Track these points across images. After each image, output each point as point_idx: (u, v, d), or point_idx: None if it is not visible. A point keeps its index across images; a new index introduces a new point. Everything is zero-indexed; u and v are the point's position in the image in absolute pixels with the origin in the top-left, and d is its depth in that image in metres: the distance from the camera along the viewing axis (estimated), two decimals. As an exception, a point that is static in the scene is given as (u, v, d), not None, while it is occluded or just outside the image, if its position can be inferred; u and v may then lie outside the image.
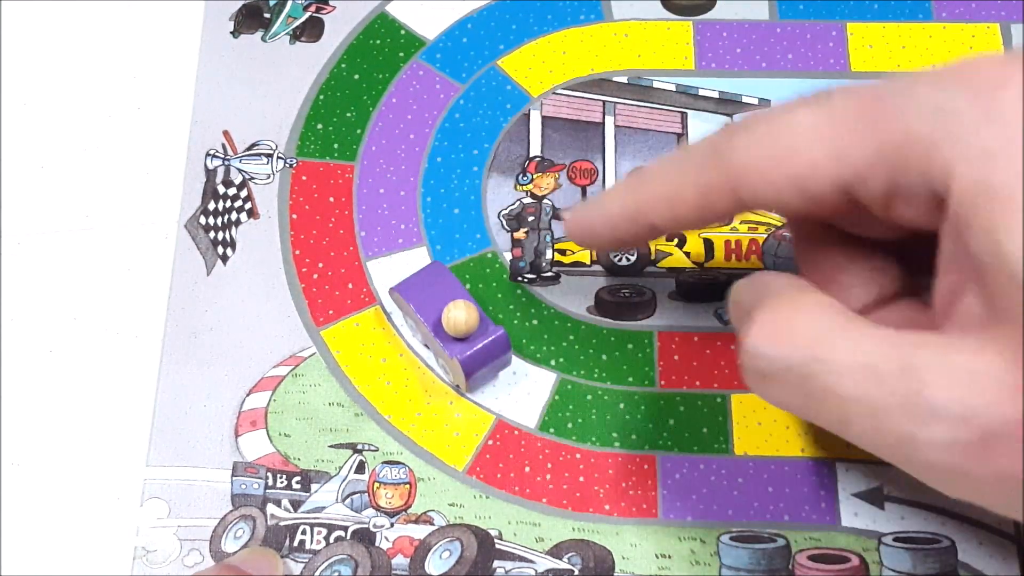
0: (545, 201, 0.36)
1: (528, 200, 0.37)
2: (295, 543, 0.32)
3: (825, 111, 0.24)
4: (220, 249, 0.36)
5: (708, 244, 0.36)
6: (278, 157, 0.37)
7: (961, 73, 0.22)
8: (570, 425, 0.33)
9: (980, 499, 0.22)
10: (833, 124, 0.24)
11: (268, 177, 0.37)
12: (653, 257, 0.36)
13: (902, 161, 0.23)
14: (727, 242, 0.36)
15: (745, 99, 0.37)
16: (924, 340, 0.22)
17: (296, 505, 0.32)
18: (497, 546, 0.32)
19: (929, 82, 0.23)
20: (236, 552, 0.32)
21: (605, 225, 0.28)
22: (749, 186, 0.25)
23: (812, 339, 0.23)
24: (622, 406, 0.33)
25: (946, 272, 0.24)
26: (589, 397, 0.34)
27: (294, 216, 0.36)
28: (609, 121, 0.38)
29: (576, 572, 0.31)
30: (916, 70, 0.24)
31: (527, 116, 0.38)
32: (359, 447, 0.33)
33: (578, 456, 0.33)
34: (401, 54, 0.39)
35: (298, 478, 0.33)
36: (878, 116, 0.23)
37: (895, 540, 0.31)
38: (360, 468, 0.33)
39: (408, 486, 0.33)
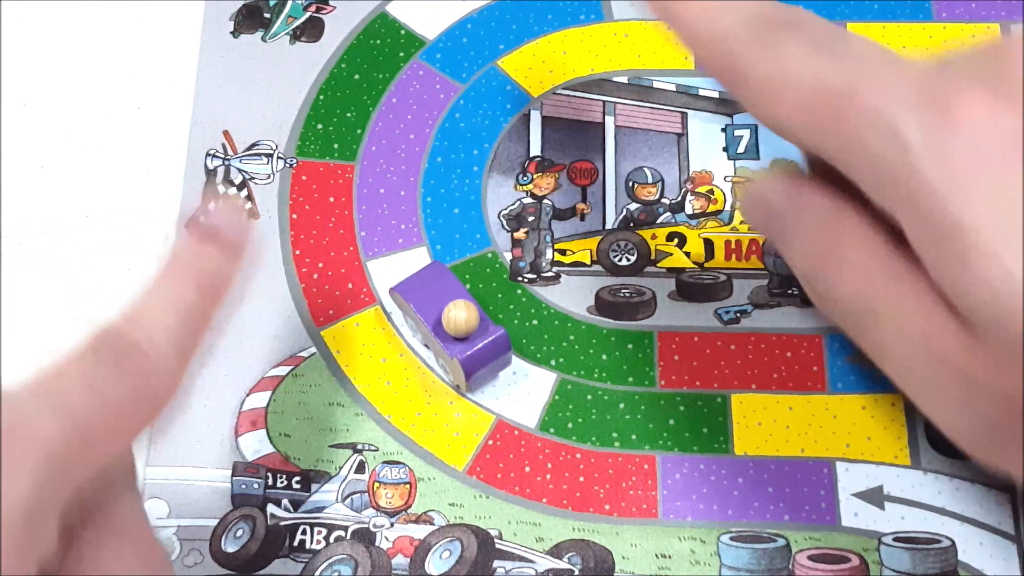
0: (545, 201, 0.36)
1: (528, 200, 0.37)
2: (295, 543, 0.32)
3: (814, 78, 0.24)
4: (220, 249, 0.36)
5: (708, 244, 0.36)
6: (278, 157, 0.37)
7: (921, 95, 0.23)
8: (570, 425, 0.33)
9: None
10: (810, 103, 0.25)
11: (268, 177, 0.37)
12: (653, 257, 0.36)
13: (858, 163, 0.24)
14: (727, 242, 0.36)
15: (745, 99, 0.37)
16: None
17: (296, 505, 0.32)
18: (497, 546, 0.32)
19: (894, 95, 0.23)
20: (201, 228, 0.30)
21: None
22: (746, 93, 0.26)
23: None
24: (622, 406, 0.33)
25: None
26: (589, 397, 0.34)
27: (294, 216, 0.36)
28: (609, 121, 0.38)
29: (576, 572, 0.31)
30: (892, 54, 0.25)
31: (527, 116, 0.38)
32: (359, 447, 0.33)
33: (578, 456, 0.33)
34: (401, 54, 0.39)
35: (298, 478, 0.33)
36: (844, 114, 0.24)
37: (895, 540, 0.31)
38: (360, 468, 0.33)
39: (408, 486, 0.33)
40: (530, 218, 0.36)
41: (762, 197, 0.29)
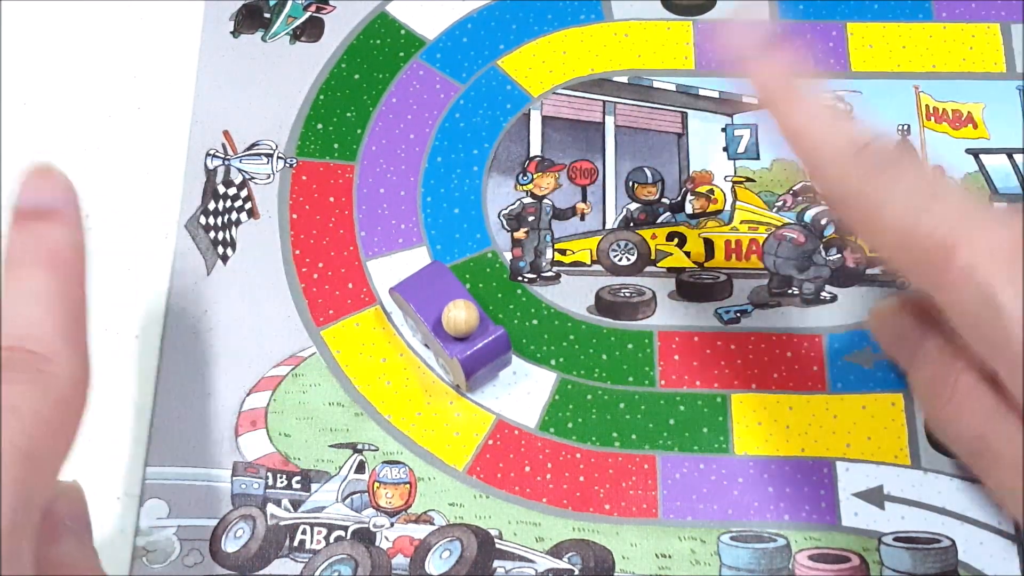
0: (545, 201, 0.36)
1: (528, 200, 0.37)
2: (295, 543, 0.32)
3: (915, 228, 0.25)
4: (220, 249, 0.36)
5: (708, 244, 0.36)
6: (278, 157, 0.37)
7: (1017, 258, 0.24)
8: (570, 425, 0.33)
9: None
10: (916, 246, 0.26)
11: (268, 177, 0.37)
12: (653, 257, 0.36)
13: (953, 312, 0.26)
14: (727, 242, 0.36)
15: (745, 99, 0.37)
16: None
17: (296, 505, 0.32)
18: (497, 546, 0.32)
19: (990, 255, 0.25)
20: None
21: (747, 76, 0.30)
22: (846, 215, 0.28)
23: None
24: (622, 406, 0.33)
25: None
26: (589, 397, 0.34)
27: (294, 216, 0.36)
28: (609, 121, 0.38)
29: (576, 572, 0.31)
30: (989, 209, 0.27)
31: (527, 116, 0.38)
32: (359, 447, 0.33)
33: (578, 456, 0.33)
34: (401, 54, 0.39)
35: (298, 478, 0.33)
36: (948, 272, 0.25)
37: (895, 540, 0.31)
38: (360, 468, 0.33)
39: (408, 486, 0.33)
40: (530, 218, 0.36)
41: (893, 318, 0.30)
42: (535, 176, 0.37)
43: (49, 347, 0.24)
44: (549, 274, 0.35)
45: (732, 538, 0.32)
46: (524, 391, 0.34)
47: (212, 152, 0.37)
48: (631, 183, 0.37)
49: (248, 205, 0.36)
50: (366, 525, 0.32)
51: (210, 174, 0.37)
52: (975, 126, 0.37)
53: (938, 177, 0.26)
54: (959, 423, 0.27)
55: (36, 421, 0.23)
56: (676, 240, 0.36)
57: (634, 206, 0.36)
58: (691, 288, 0.35)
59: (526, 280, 0.35)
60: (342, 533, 0.32)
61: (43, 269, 0.26)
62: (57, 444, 0.24)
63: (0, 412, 0.23)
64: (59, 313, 0.25)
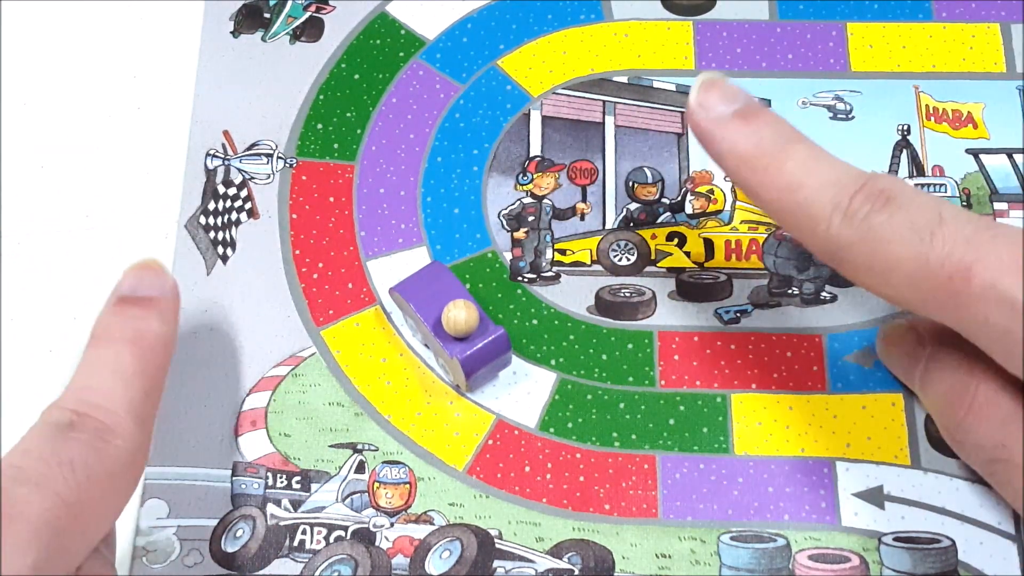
0: (545, 201, 0.36)
1: (528, 200, 0.37)
2: (295, 543, 0.32)
3: (920, 258, 0.25)
4: (220, 249, 0.36)
5: (708, 244, 0.36)
6: (278, 157, 0.37)
7: None
8: (570, 425, 0.33)
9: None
10: (925, 276, 0.25)
11: (268, 177, 0.37)
12: (653, 257, 0.36)
13: (980, 335, 0.26)
14: (727, 242, 0.36)
15: (745, 99, 0.37)
16: None
17: (296, 505, 0.32)
18: (497, 546, 0.32)
19: (1008, 268, 0.24)
20: (125, 285, 0.30)
21: (712, 154, 0.29)
22: (841, 271, 0.27)
23: None
24: (622, 406, 0.33)
25: None
26: (589, 397, 0.34)
27: (294, 216, 0.36)
28: (609, 121, 0.38)
29: (576, 572, 0.31)
30: (989, 223, 0.26)
31: (527, 116, 0.38)
32: (359, 447, 0.33)
33: (578, 456, 0.33)
34: (401, 54, 0.39)
35: (298, 478, 0.33)
36: (964, 296, 0.25)
37: (895, 540, 0.31)
38: (360, 468, 0.33)
39: (408, 486, 0.33)
40: (530, 218, 0.36)
41: (901, 340, 0.31)
42: (535, 176, 0.37)
43: (116, 419, 0.26)
44: (549, 274, 0.35)
45: (732, 538, 0.32)
46: (524, 391, 0.34)
47: (212, 152, 0.37)
48: (631, 183, 0.37)
49: (248, 205, 0.36)
50: (366, 525, 0.32)
51: (210, 174, 0.37)
52: (975, 126, 0.37)
53: (931, 203, 0.26)
54: (979, 432, 0.27)
55: (86, 478, 0.25)
56: (676, 240, 0.36)
57: (634, 206, 0.36)
58: (691, 288, 0.35)
59: (526, 280, 0.35)
60: (342, 533, 0.32)
61: (126, 346, 0.27)
62: (103, 507, 0.25)
63: (54, 461, 0.24)
64: (133, 390, 0.27)
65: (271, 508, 0.32)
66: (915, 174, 0.36)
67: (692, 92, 0.29)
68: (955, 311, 0.25)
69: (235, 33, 0.39)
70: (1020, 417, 0.26)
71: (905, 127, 0.37)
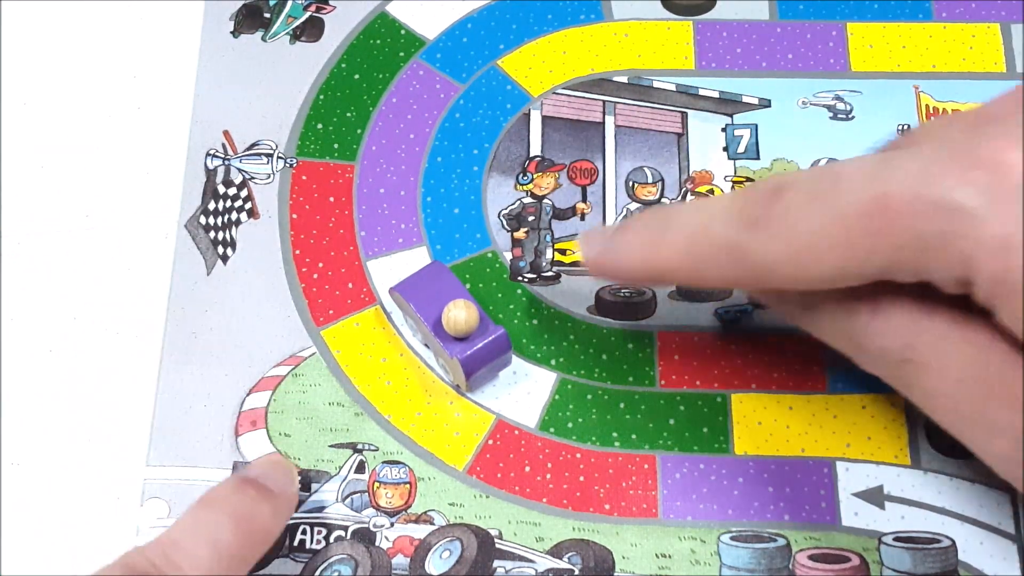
0: (545, 201, 0.36)
1: (528, 200, 0.37)
2: (295, 543, 0.32)
3: (834, 212, 0.24)
4: (220, 249, 0.36)
5: (708, 244, 0.36)
6: (278, 157, 0.37)
7: (964, 162, 0.23)
8: (570, 425, 0.33)
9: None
10: (846, 228, 0.24)
11: (268, 177, 0.37)
12: (653, 257, 0.36)
13: (920, 261, 0.24)
14: (727, 242, 0.36)
15: (745, 99, 0.37)
16: None
17: (296, 505, 0.32)
18: (497, 546, 0.32)
19: (934, 177, 0.23)
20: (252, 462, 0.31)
21: (623, 275, 0.30)
22: (774, 282, 0.26)
23: None
24: (622, 406, 0.33)
25: None
26: (589, 397, 0.34)
27: (294, 216, 0.36)
28: (609, 121, 0.38)
29: (576, 572, 0.31)
30: (918, 141, 0.25)
31: (527, 116, 0.38)
32: (359, 447, 0.33)
33: (578, 456, 0.33)
34: (401, 54, 0.39)
35: (298, 478, 0.33)
36: (887, 222, 0.23)
37: (895, 540, 0.31)
38: (360, 468, 0.33)
39: (408, 486, 0.33)
40: (530, 218, 0.36)
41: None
42: (535, 176, 0.37)
43: None
44: (549, 274, 0.35)
45: (732, 538, 0.32)
46: (524, 391, 0.34)
47: (212, 152, 0.37)
48: (631, 183, 0.37)
49: (248, 205, 0.36)
50: (366, 525, 0.32)
51: (210, 174, 0.37)
52: (975, 126, 0.37)
53: (821, 167, 0.26)
54: (886, 335, 0.26)
55: None
56: (676, 240, 0.36)
57: (634, 206, 0.36)
58: (691, 288, 0.35)
59: (526, 280, 0.35)
60: (342, 533, 0.32)
61: (231, 521, 0.27)
62: None
63: None
64: (219, 567, 0.26)
65: (271, 508, 0.32)
66: (915, 174, 0.36)
67: (582, 253, 0.30)
68: (885, 249, 0.24)
69: (235, 33, 0.39)
70: (925, 316, 0.25)
71: (905, 127, 0.37)
